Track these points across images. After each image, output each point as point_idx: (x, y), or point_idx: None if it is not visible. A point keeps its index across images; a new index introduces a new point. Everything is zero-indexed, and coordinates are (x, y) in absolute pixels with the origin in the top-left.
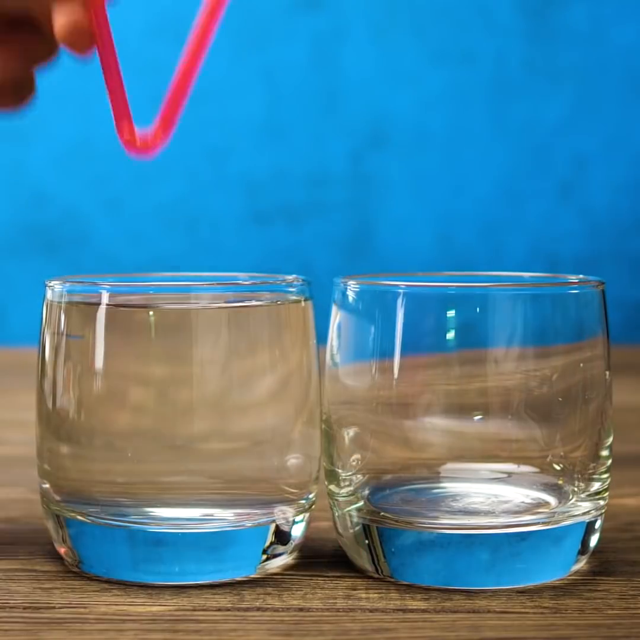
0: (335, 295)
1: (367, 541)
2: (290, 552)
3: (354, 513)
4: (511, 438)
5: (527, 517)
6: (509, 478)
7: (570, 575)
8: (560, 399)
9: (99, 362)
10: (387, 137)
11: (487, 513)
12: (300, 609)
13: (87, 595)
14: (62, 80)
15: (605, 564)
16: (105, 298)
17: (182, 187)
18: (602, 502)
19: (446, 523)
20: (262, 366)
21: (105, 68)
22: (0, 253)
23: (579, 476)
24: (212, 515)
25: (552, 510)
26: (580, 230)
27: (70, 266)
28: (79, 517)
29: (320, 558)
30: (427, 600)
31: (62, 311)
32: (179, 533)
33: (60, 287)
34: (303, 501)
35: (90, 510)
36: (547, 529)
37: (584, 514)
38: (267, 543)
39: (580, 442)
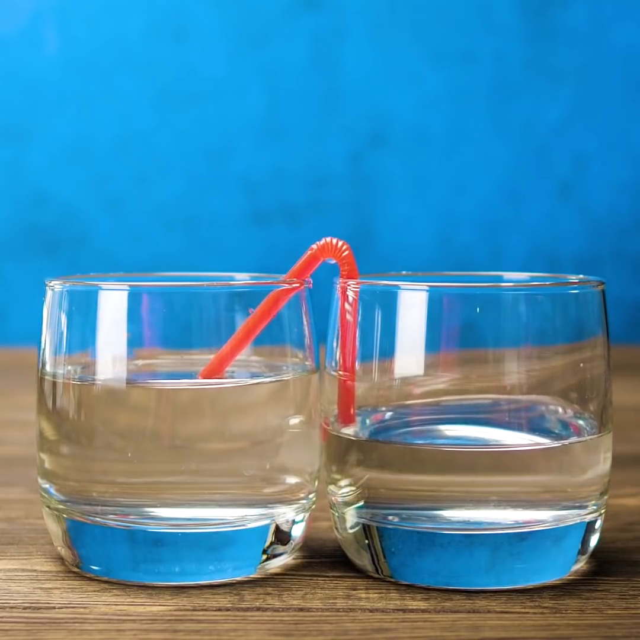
0: (335, 295)
1: (367, 541)
2: (290, 552)
3: (354, 513)
4: (511, 438)
5: (528, 516)
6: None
7: (570, 575)
8: (560, 399)
9: (100, 361)
10: (387, 137)
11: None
12: (300, 609)
13: (87, 595)
14: (62, 80)
15: (605, 564)
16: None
17: (182, 187)
18: (601, 502)
19: (446, 524)
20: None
21: None
22: (0, 253)
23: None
24: (212, 515)
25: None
26: (580, 230)
27: (70, 266)
28: (79, 517)
29: (320, 558)
30: (427, 600)
31: (62, 311)
32: (179, 533)
33: (60, 287)
34: (303, 501)
35: (90, 510)
36: (547, 529)
37: (585, 514)
38: (267, 543)
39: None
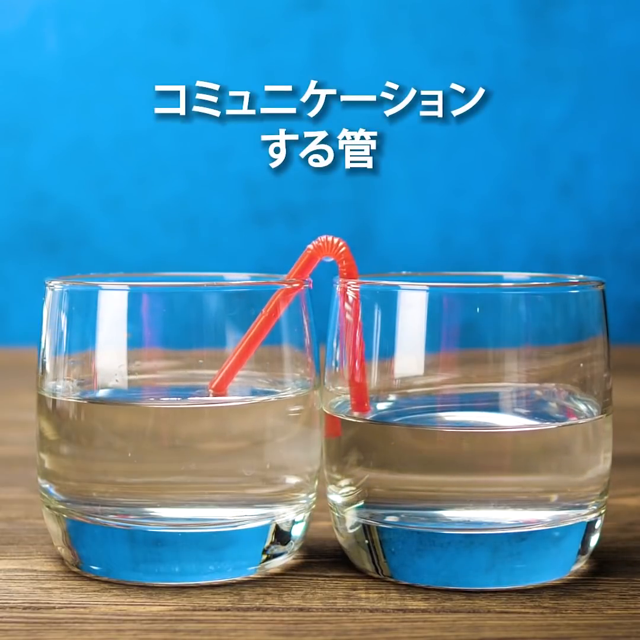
0: (335, 295)
1: (367, 541)
2: (290, 552)
3: (354, 513)
4: (511, 439)
5: (528, 516)
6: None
7: (570, 575)
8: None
9: (100, 361)
10: (387, 137)
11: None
12: (300, 609)
13: (87, 595)
14: (62, 80)
15: (605, 564)
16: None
17: (182, 187)
18: (602, 502)
19: (446, 524)
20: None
21: None
22: (0, 253)
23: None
24: (212, 515)
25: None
26: (580, 230)
27: (70, 266)
28: (79, 517)
29: (320, 558)
30: (427, 600)
31: (62, 311)
32: (179, 533)
33: (60, 287)
34: (303, 501)
35: (90, 510)
36: (547, 529)
37: (585, 514)
38: (267, 543)
39: None
